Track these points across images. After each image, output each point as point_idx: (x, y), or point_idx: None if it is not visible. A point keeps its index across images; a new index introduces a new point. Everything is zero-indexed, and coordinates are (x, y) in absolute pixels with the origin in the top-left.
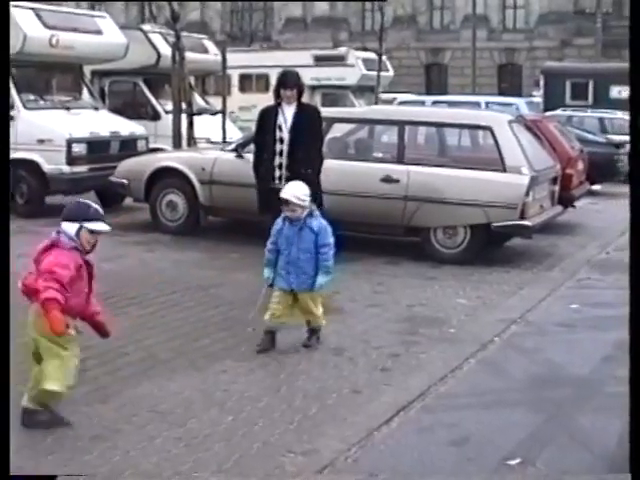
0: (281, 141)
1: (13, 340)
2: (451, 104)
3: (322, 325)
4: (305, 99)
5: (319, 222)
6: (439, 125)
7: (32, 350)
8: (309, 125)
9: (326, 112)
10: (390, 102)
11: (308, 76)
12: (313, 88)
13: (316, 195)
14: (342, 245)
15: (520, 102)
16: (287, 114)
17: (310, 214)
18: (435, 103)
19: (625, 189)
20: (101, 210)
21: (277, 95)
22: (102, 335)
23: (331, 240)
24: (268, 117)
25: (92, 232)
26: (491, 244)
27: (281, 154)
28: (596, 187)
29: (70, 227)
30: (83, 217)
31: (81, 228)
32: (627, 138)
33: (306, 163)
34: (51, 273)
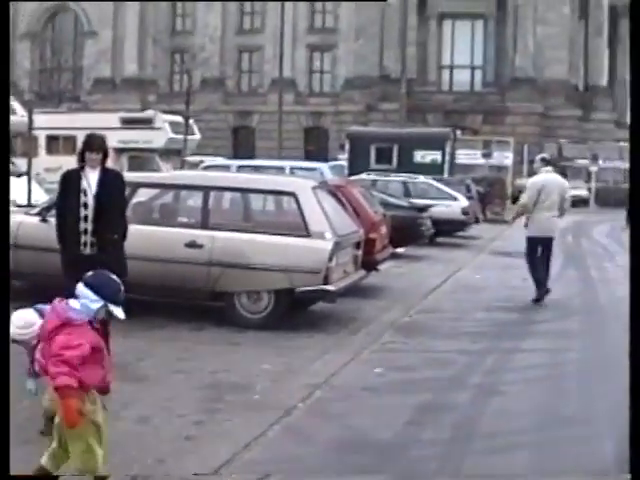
0: (85, 206)
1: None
2: (256, 169)
3: None
4: (111, 162)
5: None
6: (244, 191)
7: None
8: (113, 190)
9: (131, 177)
10: (197, 165)
11: (115, 139)
12: (120, 151)
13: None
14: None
15: (324, 167)
16: (91, 179)
17: None
18: (240, 168)
19: (428, 252)
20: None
21: (82, 158)
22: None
23: None
24: (71, 181)
25: (109, 314)
26: (295, 309)
27: (86, 219)
28: (400, 250)
29: (94, 302)
30: (111, 298)
31: (104, 307)
32: (429, 202)
33: (112, 228)
34: (58, 356)
